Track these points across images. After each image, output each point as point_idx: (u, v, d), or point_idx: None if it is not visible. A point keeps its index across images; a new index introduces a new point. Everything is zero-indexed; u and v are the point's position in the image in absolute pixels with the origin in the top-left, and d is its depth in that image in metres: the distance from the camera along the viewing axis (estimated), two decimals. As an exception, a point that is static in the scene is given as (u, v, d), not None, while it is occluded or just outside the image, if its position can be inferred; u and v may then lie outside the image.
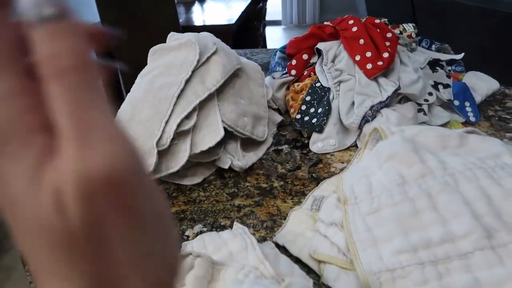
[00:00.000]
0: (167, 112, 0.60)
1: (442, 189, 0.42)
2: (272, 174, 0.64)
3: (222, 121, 0.63)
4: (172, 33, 0.77)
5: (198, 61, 0.66)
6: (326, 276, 0.43)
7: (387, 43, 0.72)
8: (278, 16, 4.41)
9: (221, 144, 0.65)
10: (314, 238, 0.47)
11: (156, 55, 0.72)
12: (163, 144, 0.58)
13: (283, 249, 0.48)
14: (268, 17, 3.11)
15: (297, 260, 0.47)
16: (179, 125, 0.60)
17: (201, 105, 0.64)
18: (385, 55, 0.69)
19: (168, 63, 0.68)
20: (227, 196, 0.59)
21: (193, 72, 0.65)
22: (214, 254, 0.43)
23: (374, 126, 0.55)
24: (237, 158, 0.64)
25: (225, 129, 0.63)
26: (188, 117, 0.61)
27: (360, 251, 0.41)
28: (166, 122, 0.59)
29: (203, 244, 0.45)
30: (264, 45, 2.90)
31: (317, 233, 0.48)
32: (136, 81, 0.69)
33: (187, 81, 0.64)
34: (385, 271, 0.38)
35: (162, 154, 0.59)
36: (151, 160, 0.57)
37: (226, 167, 0.63)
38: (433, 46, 0.89)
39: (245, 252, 0.42)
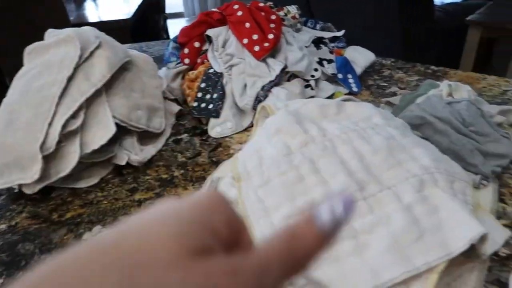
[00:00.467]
0: (49, 113, 0.56)
1: (322, 154, 0.46)
2: (172, 164, 0.63)
3: (113, 116, 0.61)
4: (50, 30, 0.72)
5: (80, 57, 0.63)
6: (226, 252, 0.44)
7: (272, 25, 0.76)
8: (180, 8, 4.33)
9: (116, 140, 0.63)
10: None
11: (33, 54, 0.67)
12: (48, 147, 0.55)
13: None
14: (170, 10, 3.04)
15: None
16: (65, 126, 0.56)
17: (89, 103, 0.61)
18: (270, 36, 0.72)
19: (47, 62, 0.64)
20: (126, 193, 0.58)
21: (75, 69, 0.62)
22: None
23: (262, 104, 0.57)
24: (135, 153, 0.63)
25: (118, 124, 0.61)
26: (74, 116, 0.58)
27: (254, 222, 0.43)
28: (49, 124, 0.56)
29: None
30: (168, 39, 2.84)
31: (216, 213, 0.49)
32: (12, 84, 0.64)
33: (70, 79, 0.61)
34: (277, 236, 0.41)
35: (50, 158, 0.56)
36: (36, 167, 0.53)
37: (123, 163, 0.61)
38: (318, 26, 0.94)
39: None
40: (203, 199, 0.18)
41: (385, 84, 0.84)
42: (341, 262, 0.38)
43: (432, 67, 0.90)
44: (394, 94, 0.79)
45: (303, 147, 0.48)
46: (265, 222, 0.42)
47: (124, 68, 0.69)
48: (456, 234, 0.37)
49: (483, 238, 0.37)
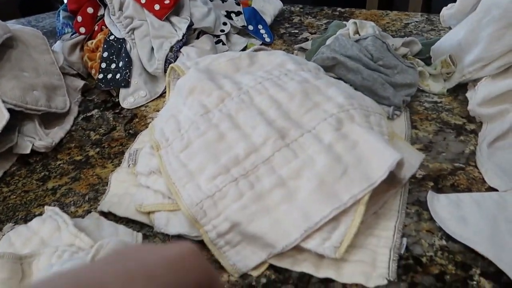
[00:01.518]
0: None
1: (239, 108, 0.45)
2: (85, 144, 0.58)
3: (4, 101, 0.54)
4: None
5: None
6: (156, 224, 0.42)
7: (170, -20, 0.70)
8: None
9: (14, 128, 0.56)
10: (138, 192, 0.45)
11: None
12: None
13: (112, 216, 0.46)
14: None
15: (129, 221, 0.45)
16: None
17: (-30, 90, 0.53)
18: (170, -8, 0.67)
19: None
20: (37, 183, 0.52)
21: None
22: (24, 248, 0.38)
23: (170, 65, 0.53)
24: (39, 138, 0.57)
25: (12, 110, 0.54)
26: (-47, 107, 0.50)
27: (180, 188, 0.41)
28: None
29: (8, 243, 0.39)
30: (64, 11, 2.57)
31: (140, 187, 0.46)
32: None
33: None
34: (206, 198, 0.39)
35: None
36: None
37: (28, 151, 0.55)
38: (221, -22, 0.90)
39: (58, 233, 0.38)
40: (175, 255, 0.17)
41: (296, 31, 0.84)
42: (273, 212, 0.38)
43: (339, 9, 0.91)
44: (306, 39, 0.79)
45: (220, 103, 0.46)
46: (191, 186, 0.41)
47: (7, 46, 0.61)
48: (376, 164, 0.38)
49: (400, 164, 0.39)
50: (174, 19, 0.68)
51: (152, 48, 0.67)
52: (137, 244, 0.18)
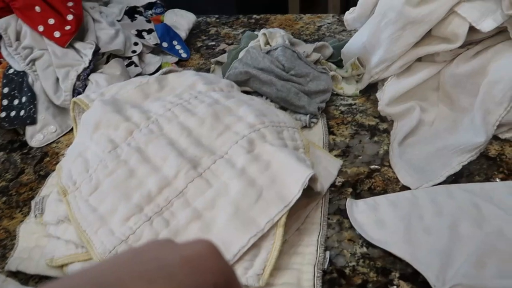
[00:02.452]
0: None
1: (148, 139, 0.42)
2: (-11, 194, 0.53)
3: None
4: None
5: None
6: (71, 277, 0.39)
7: (70, 4, 0.66)
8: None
9: None
10: (48, 244, 0.42)
11: None
12: None
13: (23, 274, 0.42)
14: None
15: (42, 277, 0.41)
16: None
17: None
18: (70, 17, 0.63)
19: None
20: None
21: None
22: None
23: (72, 100, 0.50)
24: None
25: None
26: None
27: (92, 235, 0.38)
28: None
29: None
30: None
31: (50, 237, 0.43)
32: None
33: None
34: (119, 243, 0.37)
35: None
36: None
37: None
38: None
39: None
40: (193, 254, 0.17)
41: (214, 43, 0.82)
42: (191, 248, 0.36)
43: (255, 16, 0.91)
44: (223, 51, 0.78)
45: (128, 136, 0.44)
46: (104, 232, 0.38)
47: None
48: (290, 183, 0.38)
49: (314, 179, 0.39)
50: (78, 45, 0.64)
51: (58, 79, 0.62)
52: (155, 241, 0.18)
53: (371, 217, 0.42)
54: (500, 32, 0.50)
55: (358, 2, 0.57)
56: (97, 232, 0.38)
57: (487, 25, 0.46)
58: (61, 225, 0.41)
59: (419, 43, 0.52)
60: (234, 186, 0.38)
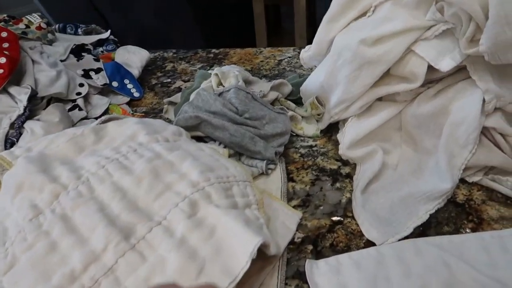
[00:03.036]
0: None
1: (76, 204, 0.37)
2: None
3: None
4: None
5: None
6: None
7: (5, 45, 0.60)
8: None
9: None
10: (-48, 336, 0.35)
11: None
12: None
13: None
14: None
15: None
16: None
17: None
18: (2, 60, 0.57)
19: None
20: None
21: None
22: None
23: (-8, 156, 0.44)
24: None
25: None
26: None
27: (2, 327, 0.32)
28: None
29: None
30: None
31: (-43, 326, 0.36)
32: None
33: None
34: (34, 337, 0.31)
35: None
36: None
37: None
38: (80, 30, 0.82)
39: None
40: None
41: (169, 80, 0.78)
42: None
43: (214, 50, 0.88)
44: (179, 89, 0.74)
45: (54, 201, 0.38)
46: (16, 322, 0.32)
47: None
48: (236, 253, 0.33)
49: (266, 245, 0.35)
50: (12, 89, 0.58)
51: (-11, 127, 0.56)
52: None
53: (333, 281, 0.37)
54: (460, 70, 0.47)
55: (314, 40, 0.54)
56: (9, 322, 0.32)
57: (446, 64, 0.44)
58: (-31, 313, 0.35)
59: (378, 83, 0.49)
60: (172, 260, 0.33)
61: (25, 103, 0.56)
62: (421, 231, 0.42)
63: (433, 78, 0.48)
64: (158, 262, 0.33)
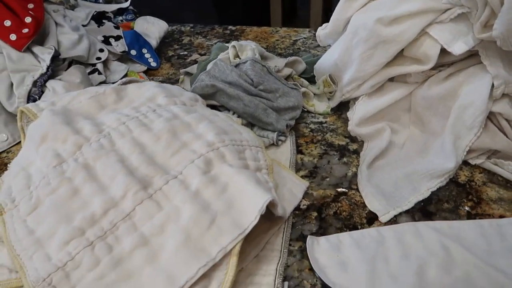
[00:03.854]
0: None
1: (98, 155, 0.39)
2: None
3: None
4: None
5: None
6: (1, 307, 0.35)
7: (30, 5, 0.62)
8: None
9: None
10: (-21, 268, 0.38)
11: None
12: None
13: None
14: None
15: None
16: None
17: None
18: (28, 20, 0.59)
19: None
20: None
21: None
22: None
23: (19, 109, 0.46)
24: None
25: None
26: None
27: (26, 261, 0.34)
28: None
29: None
30: None
31: (-18, 260, 0.38)
32: None
33: None
34: (56, 271, 0.33)
35: None
36: None
37: None
38: (101, -1, 0.83)
39: None
40: None
41: (186, 52, 0.80)
42: (135, 278, 0.33)
43: (230, 27, 0.89)
44: (195, 62, 0.75)
45: (76, 151, 0.40)
46: (39, 257, 0.34)
47: None
48: (246, 209, 0.35)
49: (274, 204, 0.37)
50: (36, 49, 0.60)
51: (12, 84, 0.58)
52: None
53: (333, 258, 0.38)
54: (472, 55, 0.49)
55: (331, 18, 0.56)
56: (32, 257, 0.35)
57: (458, 48, 0.45)
58: (-5, 247, 0.38)
59: (391, 63, 0.51)
60: (186, 210, 0.35)
61: (48, 62, 0.58)
62: (421, 206, 0.44)
63: (445, 61, 0.49)
64: (173, 211, 0.35)
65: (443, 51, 0.47)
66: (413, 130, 0.52)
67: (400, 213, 0.43)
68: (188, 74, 0.68)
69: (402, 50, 0.50)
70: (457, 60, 0.49)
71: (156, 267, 0.33)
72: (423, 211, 0.43)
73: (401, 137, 0.52)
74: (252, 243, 0.39)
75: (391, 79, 0.53)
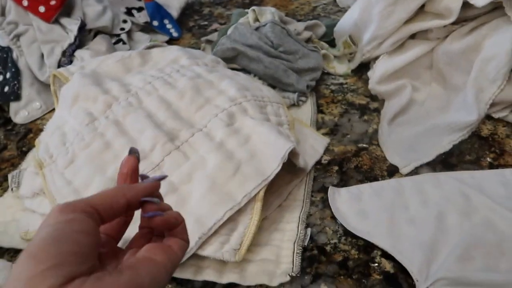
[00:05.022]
0: None
1: (127, 112, 0.41)
2: (-30, 169, 0.52)
3: None
4: None
5: None
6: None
7: (56, -22, 0.64)
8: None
9: None
10: (23, 218, 0.41)
11: None
12: None
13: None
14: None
15: (17, 251, 0.40)
16: None
17: None
18: (55, -8, 0.61)
19: None
20: None
21: None
22: None
23: (52, 73, 0.49)
24: None
25: None
26: None
27: (66, 209, 0.37)
28: None
29: None
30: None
31: (26, 211, 0.41)
32: None
33: None
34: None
35: None
36: None
37: None
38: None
39: None
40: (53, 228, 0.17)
41: (206, 22, 0.81)
42: (165, 222, 0.35)
43: (249, -4, 0.90)
44: (215, 31, 0.76)
45: (107, 109, 0.42)
46: (78, 205, 0.37)
47: None
48: (269, 157, 0.37)
49: (295, 154, 0.38)
50: (64, 20, 0.62)
51: (42, 54, 0.61)
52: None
53: (354, 207, 0.39)
54: (495, 9, 0.48)
55: (351, -23, 0.55)
56: (71, 205, 0.37)
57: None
58: (37, 198, 0.40)
59: (411, 19, 0.50)
60: (212, 159, 0.37)
61: (75, 33, 0.60)
62: (443, 159, 0.44)
63: (468, 15, 0.49)
64: (199, 160, 0.37)
65: (466, 5, 0.47)
66: (435, 87, 0.52)
67: (421, 165, 0.44)
68: (209, 42, 0.69)
69: (423, 5, 0.49)
70: (480, 13, 0.48)
71: (185, 211, 0.35)
72: (445, 163, 0.44)
73: (422, 94, 0.52)
74: (275, 194, 0.40)
75: (412, 36, 0.53)
